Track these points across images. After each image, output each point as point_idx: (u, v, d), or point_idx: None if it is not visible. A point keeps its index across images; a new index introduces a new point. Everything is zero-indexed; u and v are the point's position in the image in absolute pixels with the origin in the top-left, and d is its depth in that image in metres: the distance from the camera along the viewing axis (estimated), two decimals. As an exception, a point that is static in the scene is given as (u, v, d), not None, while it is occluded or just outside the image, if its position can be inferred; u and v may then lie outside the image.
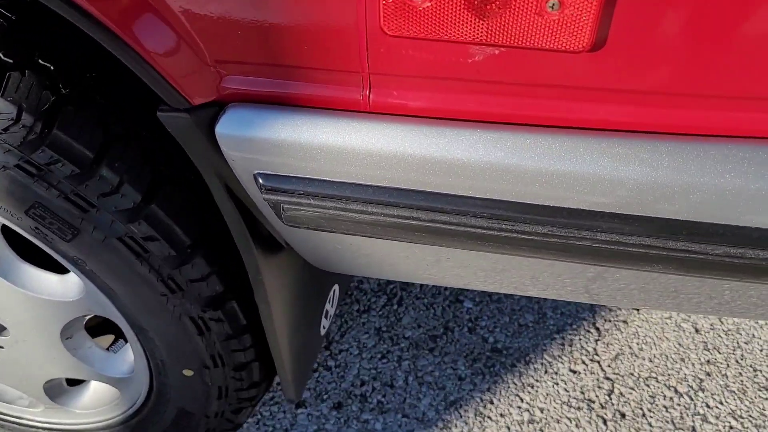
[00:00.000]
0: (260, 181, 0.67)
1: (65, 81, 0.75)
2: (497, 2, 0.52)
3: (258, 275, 0.82)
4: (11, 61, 0.73)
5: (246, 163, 0.67)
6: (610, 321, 1.65)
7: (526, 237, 0.63)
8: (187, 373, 0.99)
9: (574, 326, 1.64)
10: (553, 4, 0.51)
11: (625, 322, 1.65)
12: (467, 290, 1.72)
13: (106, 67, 0.80)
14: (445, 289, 1.73)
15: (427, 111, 0.62)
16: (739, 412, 1.46)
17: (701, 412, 1.46)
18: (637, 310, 1.67)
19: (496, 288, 0.84)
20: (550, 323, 1.65)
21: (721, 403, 1.48)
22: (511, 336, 1.62)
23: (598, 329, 1.63)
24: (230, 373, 0.99)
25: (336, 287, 1.16)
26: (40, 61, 0.75)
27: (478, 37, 0.54)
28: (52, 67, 0.75)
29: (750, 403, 1.48)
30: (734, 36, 0.51)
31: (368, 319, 1.66)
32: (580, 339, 1.61)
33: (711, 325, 1.64)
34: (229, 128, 0.65)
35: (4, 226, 0.89)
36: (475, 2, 0.52)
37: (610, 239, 0.62)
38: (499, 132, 0.60)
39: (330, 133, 0.63)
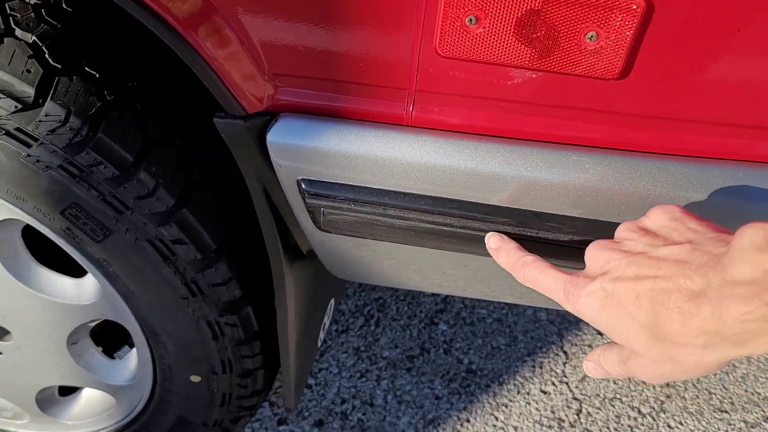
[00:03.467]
0: (303, 186, 0.73)
1: (109, 88, 0.79)
2: (543, 32, 0.59)
3: (282, 280, 0.86)
4: (60, 66, 0.76)
5: (292, 169, 0.72)
6: (576, 345, 1.74)
7: (555, 245, 0.70)
8: (195, 379, 1.01)
9: (544, 349, 1.72)
10: (592, 36, 0.59)
11: (590, 346, 1.74)
12: (442, 313, 1.78)
13: (145, 77, 0.85)
14: (420, 311, 1.78)
15: (464, 127, 0.69)
16: None
17: (663, 431, 1.55)
18: (600, 334, 1.76)
19: (524, 300, 0.91)
20: (521, 346, 1.72)
21: (681, 424, 1.57)
22: (484, 358, 1.69)
23: (566, 352, 1.72)
24: (236, 379, 1.02)
25: (332, 301, 1.20)
26: (87, 68, 0.78)
27: (520, 62, 0.62)
28: (97, 75, 0.79)
29: (707, 423, 1.58)
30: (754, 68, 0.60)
31: (347, 339, 1.70)
32: (549, 361, 1.69)
33: (669, 350, 1.75)
34: (279, 136, 0.70)
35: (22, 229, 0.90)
36: (523, 31, 0.60)
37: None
38: (530, 148, 0.68)
39: (373, 144, 0.69)
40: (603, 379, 1.65)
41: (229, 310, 0.92)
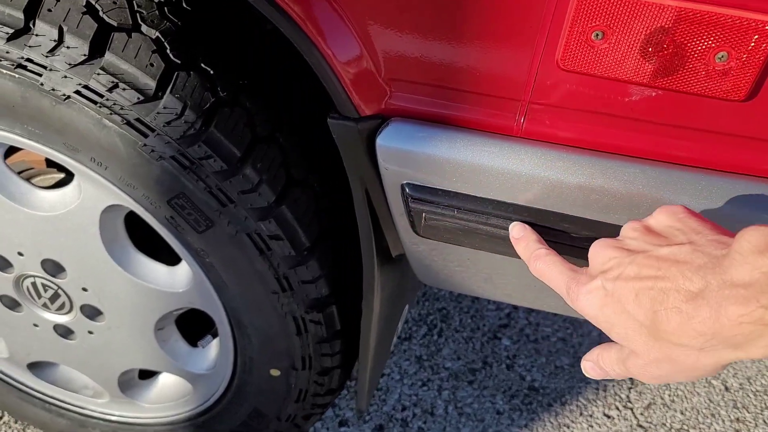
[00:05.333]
0: (407, 191, 0.74)
1: (223, 84, 0.82)
2: (671, 50, 0.59)
3: (372, 281, 0.87)
4: (179, 62, 0.80)
5: (398, 173, 0.73)
6: (643, 371, 1.70)
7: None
8: (274, 372, 1.03)
9: (609, 373, 1.69)
10: (722, 56, 0.58)
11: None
12: (505, 328, 1.77)
13: (255, 75, 0.88)
14: (484, 324, 1.78)
15: (574, 141, 0.69)
16: (767, 471, 1.51)
17: (731, 467, 1.50)
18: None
19: None
20: (586, 368, 1.69)
21: (750, 461, 1.52)
22: (547, 376, 1.67)
23: (631, 378, 1.68)
24: (314, 377, 1.04)
25: (407, 307, 1.21)
26: (203, 64, 0.81)
27: (643, 79, 0.62)
28: (212, 71, 0.82)
29: (778, 463, 1.52)
30: None
31: (409, 347, 1.70)
32: (614, 386, 1.66)
33: (740, 384, 1.69)
34: (389, 140, 0.71)
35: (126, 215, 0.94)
36: (650, 48, 0.59)
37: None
38: (640, 167, 0.67)
39: (481, 152, 0.70)
40: (669, 409, 1.61)
41: (315, 307, 0.94)
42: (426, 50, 0.67)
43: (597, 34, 0.60)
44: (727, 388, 1.68)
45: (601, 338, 1.80)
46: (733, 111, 0.62)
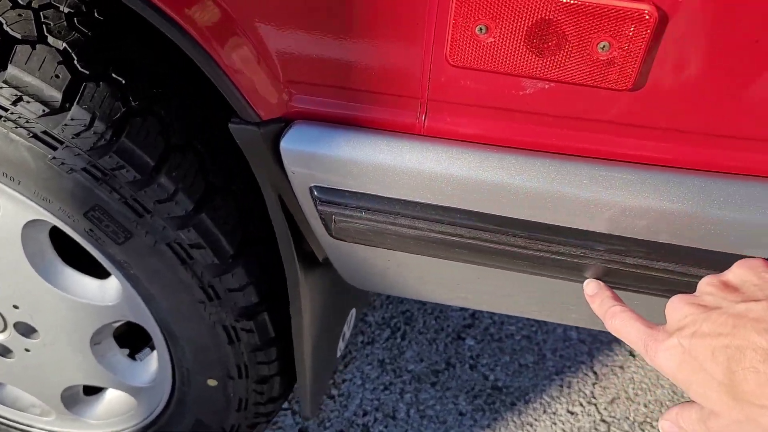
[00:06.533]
0: (316, 193, 0.73)
1: (134, 94, 0.81)
2: (554, 41, 0.59)
3: (297, 287, 0.86)
4: (87, 72, 0.79)
5: (305, 176, 0.72)
6: (607, 366, 1.70)
7: (557, 258, 0.69)
8: (211, 382, 1.02)
9: (573, 369, 1.69)
10: (604, 46, 0.58)
11: (621, 367, 1.69)
12: (469, 328, 1.76)
13: (169, 83, 0.87)
14: (448, 325, 1.77)
15: (476, 137, 0.69)
16: (731, 460, 1.50)
17: (695, 458, 1.49)
18: (633, 356, 1.72)
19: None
20: (550, 365, 1.69)
21: (714, 451, 1.51)
22: (511, 375, 1.66)
23: (595, 373, 1.68)
24: (252, 385, 1.03)
25: (353, 311, 1.20)
26: (114, 74, 0.81)
27: (532, 72, 0.61)
28: (123, 81, 0.81)
29: (742, 452, 1.52)
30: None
31: (372, 351, 1.69)
32: (578, 381, 1.65)
33: (704, 375, 1.69)
34: (293, 143, 0.71)
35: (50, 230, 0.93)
36: (534, 41, 0.59)
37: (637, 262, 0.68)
38: (541, 159, 0.67)
39: (385, 152, 0.69)
40: (633, 402, 1.60)
41: (245, 315, 0.93)
42: (321, 52, 0.66)
43: (481, 29, 0.60)
44: (691, 380, 1.67)
45: (565, 334, 1.80)
46: (623, 100, 0.62)
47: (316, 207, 0.74)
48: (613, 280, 0.70)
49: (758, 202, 0.63)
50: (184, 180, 0.83)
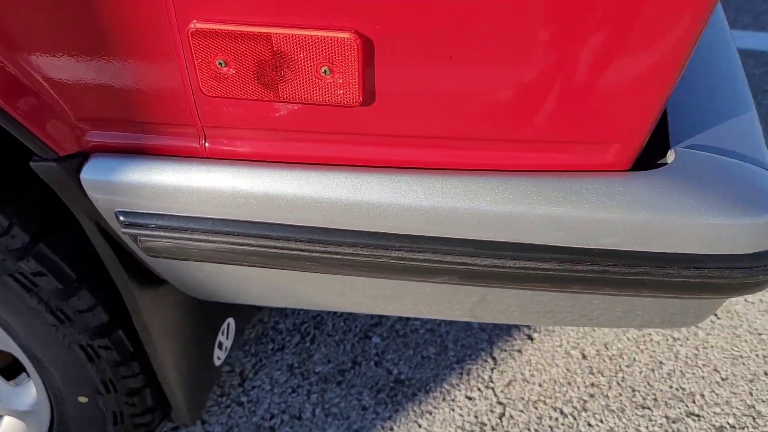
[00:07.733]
0: (120, 218, 0.80)
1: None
2: (285, 68, 0.67)
3: (135, 304, 0.94)
4: None
5: (107, 203, 0.80)
6: (505, 350, 1.79)
7: (334, 257, 0.77)
8: (82, 399, 1.08)
9: (473, 356, 1.77)
10: (326, 71, 0.66)
11: (519, 351, 1.79)
12: (376, 327, 1.84)
13: None
14: (356, 326, 1.85)
15: (252, 155, 0.77)
16: (617, 430, 1.60)
17: (582, 430, 1.59)
18: (531, 339, 1.81)
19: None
20: (451, 354, 1.78)
21: (602, 422, 1.61)
22: (414, 368, 1.74)
23: (494, 358, 1.77)
24: (123, 398, 1.09)
25: (230, 320, 1.28)
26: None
27: (275, 96, 0.69)
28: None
29: (627, 420, 1.62)
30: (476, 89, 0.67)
31: (282, 357, 1.77)
32: (477, 368, 1.74)
33: (597, 351, 1.79)
34: (91, 174, 0.78)
35: None
36: (267, 69, 0.67)
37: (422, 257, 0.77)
38: (306, 172, 0.75)
39: (175, 175, 0.77)
40: (528, 383, 1.70)
41: (99, 334, 1.00)
42: (100, 93, 0.74)
43: (221, 63, 0.68)
44: (584, 356, 1.78)
45: (467, 324, 1.89)
46: (362, 114, 0.70)
47: (121, 229, 0.81)
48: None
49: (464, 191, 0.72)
50: (19, 215, 0.90)
